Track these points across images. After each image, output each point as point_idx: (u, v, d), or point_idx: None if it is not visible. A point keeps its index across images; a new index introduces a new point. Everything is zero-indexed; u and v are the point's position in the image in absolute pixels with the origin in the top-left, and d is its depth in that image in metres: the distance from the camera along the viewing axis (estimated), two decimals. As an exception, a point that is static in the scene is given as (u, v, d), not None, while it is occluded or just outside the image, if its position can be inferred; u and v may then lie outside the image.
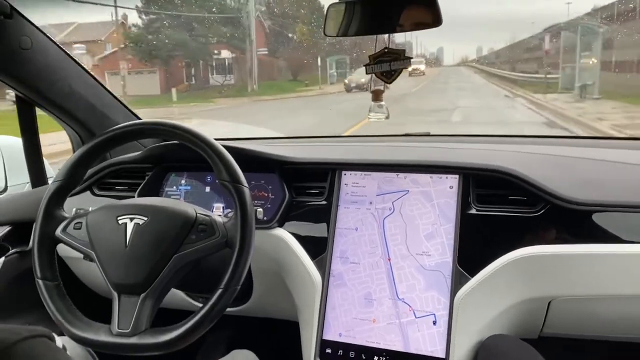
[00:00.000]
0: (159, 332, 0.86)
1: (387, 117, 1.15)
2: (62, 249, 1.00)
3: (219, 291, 0.86)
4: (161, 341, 0.84)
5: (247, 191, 0.91)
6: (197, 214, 0.91)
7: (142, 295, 0.87)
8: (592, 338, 1.15)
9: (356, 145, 1.55)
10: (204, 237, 0.89)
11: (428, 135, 1.68)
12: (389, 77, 1.04)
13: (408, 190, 1.12)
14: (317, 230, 1.15)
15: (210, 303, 0.86)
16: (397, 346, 1.03)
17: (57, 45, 1.26)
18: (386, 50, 1.02)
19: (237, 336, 1.63)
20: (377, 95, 1.12)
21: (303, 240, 1.15)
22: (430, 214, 1.09)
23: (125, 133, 0.99)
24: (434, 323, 1.02)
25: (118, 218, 0.90)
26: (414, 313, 1.04)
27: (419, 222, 1.09)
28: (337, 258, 1.11)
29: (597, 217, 1.02)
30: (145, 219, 0.89)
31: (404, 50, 1.06)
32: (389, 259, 1.08)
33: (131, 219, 0.90)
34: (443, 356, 1.00)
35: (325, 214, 1.15)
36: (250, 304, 1.27)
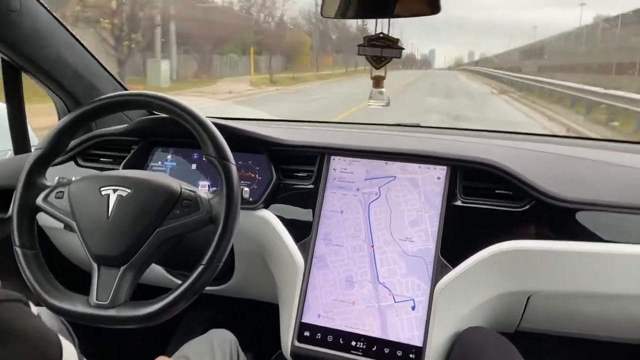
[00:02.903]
0: (137, 305, 0.85)
1: (388, 104, 1.14)
2: (42, 218, 0.98)
3: (201, 267, 0.85)
4: (140, 314, 0.84)
5: (233, 168, 0.90)
6: (182, 189, 0.90)
7: (122, 267, 0.86)
8: (568, 335, 1.17)
9: (346, 132, 1.54)
10: (188, 212, 0.88)
11: (418, 126, 1.68)
12: (379, 62, 1.04)
13: (395, 177, 1.11)
14: (302, 213, 1.15)
15: (192, 279, 0.85)
16: (375, 332, 1.03)
17: (47, 10, 1.23)
18: (381, 35, 1.01)
19: (216, 316, 1.63)
20: (377, 82, 1.11)
21: (288, 222, 1.14)
22: (416, 200, 1.09)
23: (112, 103, 0.97)
24: (413, 308, 1.03)
25: (101, 189, 0.89)
26: (394, 297, 1.04)
27: (404, 208, 1.09)
28: (321, 240, 1.11)
29: (581, 216, 1.02)
30: (129, 191, 0.88)
31: (398, 40, 1.05)
32: (372, 243, 1.08)
33: (114, 191, 0.89)
34: (420, 344, 1.00)
35: (311, 198, 1.15)
36: (231, 284, 1.27)
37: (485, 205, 1.07)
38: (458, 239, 1.04)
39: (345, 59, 36.28)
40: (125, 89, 1.49)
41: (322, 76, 26.74)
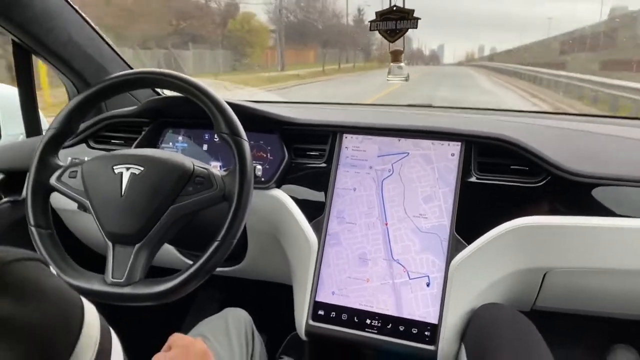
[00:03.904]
0: (153, 282, 0.85)
1: (407, 79, 1.12)
2: (55, 201, 0.98)
3: (215, 244, 0.85)
4: (155, 291, 0.84)
5: (246, 145, 0.90)
6: (195, 166, 0.89)
7: (137, 245, 0.86)
8: (584, 313, 1.16)
9: (358, 111, 1.53)
10: (201, 190, 0.87)
11: (430, 106, 1.66)
12: (393, 35, 1.01)
13: (408, 153, 1.10)
14: (315, 192, 1.14)
15: (206, 255, 0.85)
16: (389, 309, 1.03)
17: None
18: (394, 7, 0.99)
19: (230, 297, 1.64)
20: (396, 56, 1.09)
21: (300, 202, 1.13)
22: (429, 176, 1.08)
23: (122, 82, 0.97)
24: (428, 285, 1.02)
25: (114, 167, 0.89)
26: (408, 274, 1.03)
27: (417, 184, 1.08)
28: (334, 218, 1.10)
29: (597, 190, 1.01)
30: (142, 169, 0.88)
31: (412, 10, 1.03)
32: (386, 221, 1.07)
33: (127, 169, 0.88)
34: (435, 321, 1.00)
35: (324, 177, 1.14)
36: (244, 264, 1.26)
37: (500, 181, 1.05)
38: (473, 215, 1.03)
39: (334, 54, 30.72)
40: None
41: (280, 78, 18.05)
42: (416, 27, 0.98)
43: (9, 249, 0.41)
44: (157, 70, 0.95)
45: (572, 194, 1.02)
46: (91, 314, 0.44)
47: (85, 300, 0.44)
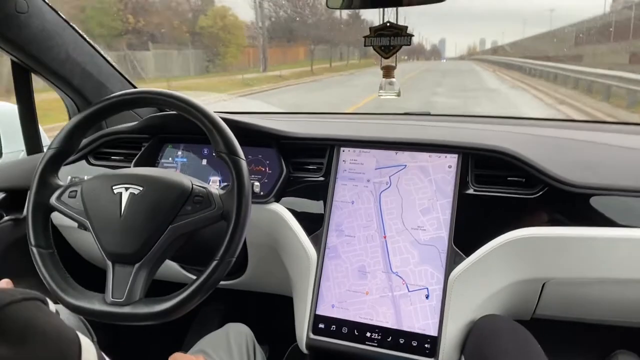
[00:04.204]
0: (153, 302, 0.85)
1: (399, 95, 1.13)
2: (56, 217, 0.99)
3: (214, 262, 0.86)
4: (155, 311, 0.84)
5: (244, 163, 0.90)
6: (193, 185, 0.90)
7: (137, 265, 0.87)
8: (584, 321, 1.16)
9: (355, 122, 1.54)
10: (199, 209, 0.88)
11: (428, 114, 1.67)
12: (387, 52, 1.03)
13: (405, 165, 1.11)
14: (313, 206, 1.15)
15: (205, 274, 0.85)
16: (389, 322, 1.03)
17: (54, 10, 1.24)
18: (388, 24, 1.00)
19: (231, 310, 1.64)
20: (388, 72, 1.10)
21: (299, 215, 1.14)
22: (427, 188, 1.08)
23: (122, 101, 0.98)
24: (427, 297, 1.02)
25: (113, 187, 0.90)
26: (407, 287, 1.04)
27: (415, 196, 1.08)
28: (333, 231, 1.11)
29: (594, 200, 1.01)
30: (141, 188, 0.89)
31: (406, 27, 1.04)
32: (384, 233, 1.08)
33: (126, 189, 0.89)
34: (435, 334, 1.00)
35: (322, 190, 1.15)
36: (245, 278, 1.27)
37: (497, 192, 1.06)
38: (471, 227, 1.04)
39: (326, 51, 27.46)
40: (134, 87, 1.49)
41: (258, 81, 16.26)
42: (410, 44, 0.99)
43: (6, 290, 0.41)
44: (155, 90, 0.96)
45: (570, 204, 1.02)
46: (88, 351, 0.44)
47: (82, 337, 0.45)
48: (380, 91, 1.13)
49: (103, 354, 0.47)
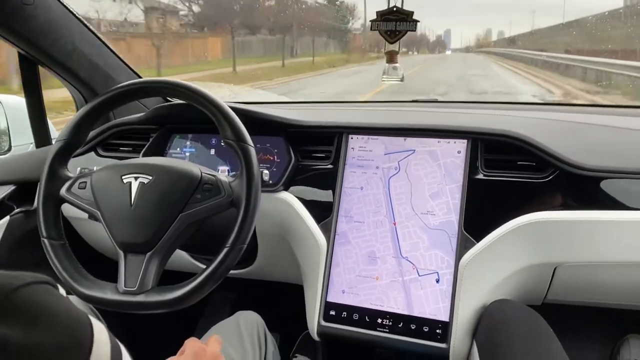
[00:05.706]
0: (165, 290, 0.86)
1: (402, 80, 1.13)
2: (67, 209, 0.99)
3: (225, 249, 0.86)
4: (167, 299, 0.85)
5: (252, 150, 0.90)
6: (202, 173, 0.90)
7: (148, 254, 0.87)
8: (595, 305, 1.16)
9: (363, 110, 1.53)
10: (209, 197, 0.88)
11: (436, 101, 1.66)
12: (393, 36, 1.02)
13: (414, 150, 1.11)
14: (322, 194, 1.15)
15: (217, 262, 0.86)
16: (400, 307, 1.03)
17: (60, 2, 1.23)
18: (394, 9, 0.99)
19: (241, 299, 1.65)
20: (391, 57, 1.10)
21: (308, 203, 1.14)
22: (436, 173, 1.08)
23: (129, 91, 0.98)
24: (437, 281, 1.03)
25: (123, 177, 0.90)
26: (417, 271, 1.04)
27: (424, 181, 1.08)
28: (342, 217, 1.11)
29: (605, 184, 1.01)
30: (150, 178, 0.89)
31: (412, 12, 1.03)
32: (394, 219, 1.08)
33: (136, 178, 0.89)
34: (446, 319, 1.00)
35: (331, 178, 1.14)
36: (255, 266, 1.28)
37: (507, 177, 1.05)
38: (481, 212, 1.03)
39: (270, 43, 18.73)
40: (140, 77, 1.49)
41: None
42: (415, 30, 0.99)
43: (17, 274, 0.42)
44: (162, 79, 0.96)
45: (580, 188, 1.01)
46: (100, 332, 0.45)
47: (93, 319, 0.45)
48: (384, 76, 1.13)
49: (114, 336, 0.47)
